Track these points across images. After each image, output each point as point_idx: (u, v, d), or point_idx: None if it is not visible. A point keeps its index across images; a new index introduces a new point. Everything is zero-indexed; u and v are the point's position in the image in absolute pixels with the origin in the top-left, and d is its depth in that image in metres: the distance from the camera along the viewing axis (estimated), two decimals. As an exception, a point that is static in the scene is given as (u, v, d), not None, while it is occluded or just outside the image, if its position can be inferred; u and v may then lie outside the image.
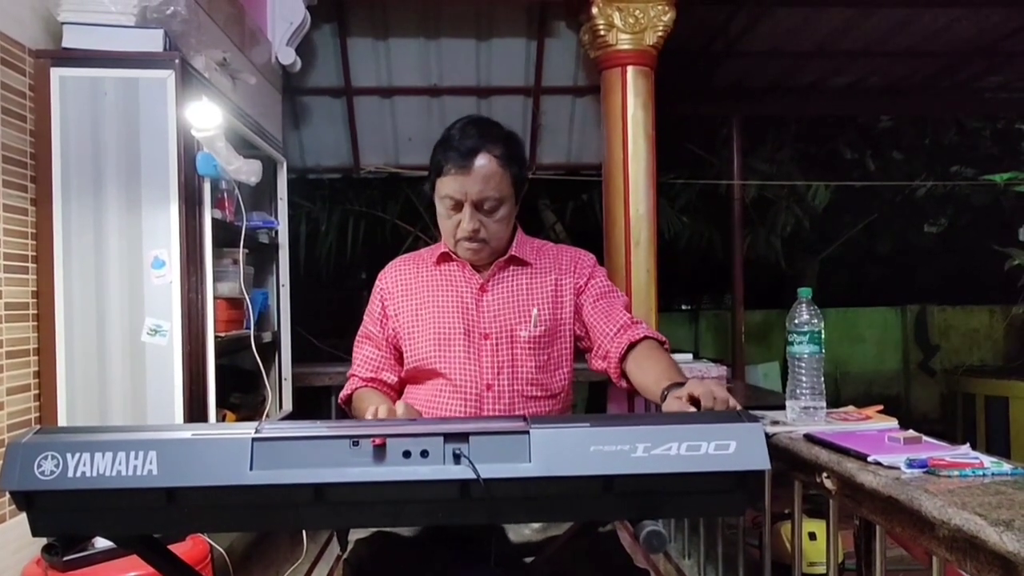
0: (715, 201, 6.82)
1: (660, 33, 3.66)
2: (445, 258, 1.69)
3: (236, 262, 2.66)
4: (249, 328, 2.70)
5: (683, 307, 8.65)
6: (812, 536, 3.08)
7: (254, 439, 1.02)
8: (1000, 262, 6.40)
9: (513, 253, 1.67)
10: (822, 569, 2.81)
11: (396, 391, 1.72)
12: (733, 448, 1.02)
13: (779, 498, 2.10)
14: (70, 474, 0.99)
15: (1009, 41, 4.90)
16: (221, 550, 2.28)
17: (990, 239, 6.77)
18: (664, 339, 1.65)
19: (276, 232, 3.25)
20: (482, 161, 1.54)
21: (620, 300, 1.70)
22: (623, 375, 1.62)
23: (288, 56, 3.54)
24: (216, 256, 2.47)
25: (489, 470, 1.00)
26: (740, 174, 6.01)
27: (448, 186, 1.56)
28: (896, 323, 8.02)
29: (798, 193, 7.29)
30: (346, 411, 1.75)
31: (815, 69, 5.38)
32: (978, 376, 6.57)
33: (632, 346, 1.61)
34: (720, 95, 5.78)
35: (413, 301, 1.68)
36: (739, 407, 1.24)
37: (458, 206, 1.57)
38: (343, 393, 1.73)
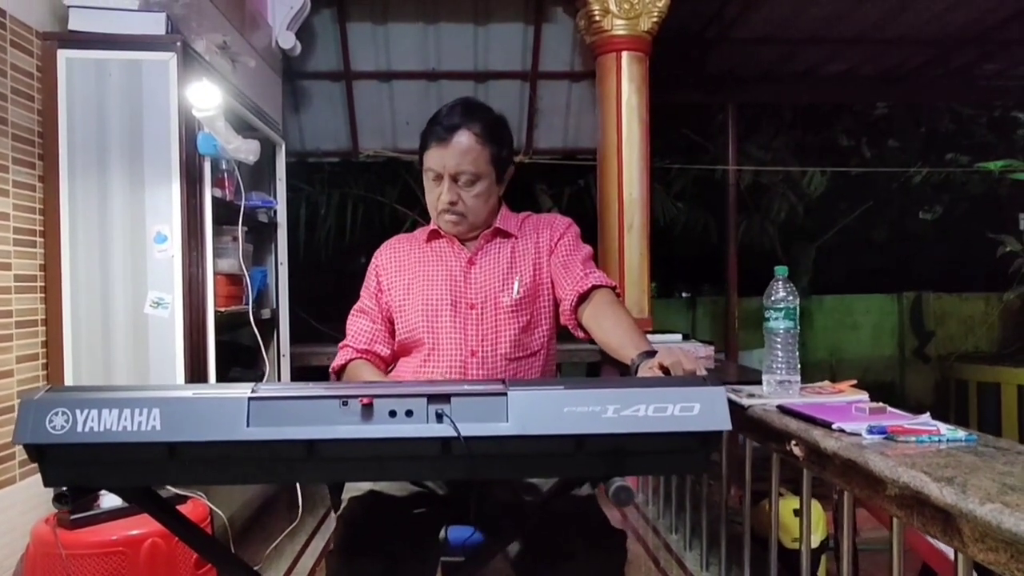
0: (710, 187, 6.84)
1: (655, 19, 3.72)
2: (435, 235, 1.79)
3: (235, 239, 2.73)
4: (248, 304, 2.77)
5: (683, 294, 8.68)
6: (796, 512, 3.15)
7: (250, 398, 1.08)
8: (995, 249, 6.44)
9: (498, 226, 1.76)
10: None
11: (387, 364, 1.80)
12: (697, 410, 1.09)
13: (763, 478, 2.18)
14: (79, 429, 1.06)
15: (1004, 29, 4.91)
16: (223, 516, 2.36)
17: (985, 226, 6.78)
18: (614, 284, 1.72)
19: (275, 212, 3.32)
20: (461, 137, 1.65)
21: (580, 254, 1.75)
22: (579, 325, 1.69)
23: (288, 40, 3.60)
24: (216, 233, 2.54)
25: (469, 429, 1.07)
26: (735, 160, 6.05)
27: (430, 159, 1.68)
28: (892, 310, 8.05)
29: (793, 180, 7.32)
30: (337, 381, 1.80)
31: (809, 56, 5.41)
32: (971, 362, 6.63)
33: (584, 297, 1.67)
34: (714, 82, 5.80)
35: (405, 276, 1.77)
36: (705, 374, 1.31)
37: (439, 178, 1.68)
38: (336, 363, 1.79)
